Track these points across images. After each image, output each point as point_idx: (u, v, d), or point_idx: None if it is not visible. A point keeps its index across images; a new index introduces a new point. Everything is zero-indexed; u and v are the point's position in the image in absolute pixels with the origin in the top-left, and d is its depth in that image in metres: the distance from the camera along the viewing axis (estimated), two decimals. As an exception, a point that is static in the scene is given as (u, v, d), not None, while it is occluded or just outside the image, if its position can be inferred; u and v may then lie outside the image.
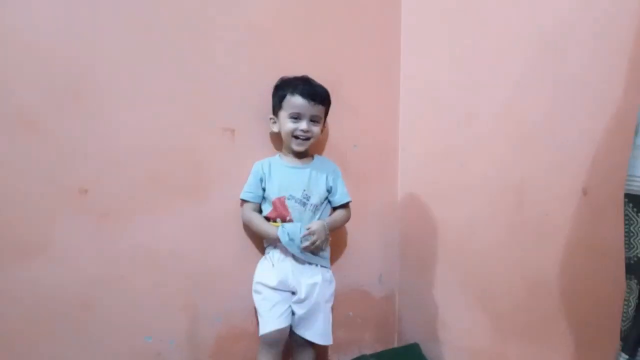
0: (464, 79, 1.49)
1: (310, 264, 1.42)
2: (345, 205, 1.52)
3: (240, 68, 1.45)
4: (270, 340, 1.36)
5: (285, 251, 1.39)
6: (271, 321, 1.35)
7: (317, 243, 1.37)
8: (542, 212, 1.23)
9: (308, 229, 1.37)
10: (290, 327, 1.40)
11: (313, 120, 1.42)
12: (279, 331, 1.35)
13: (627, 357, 0.85)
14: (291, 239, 1.36)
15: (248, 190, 1.43)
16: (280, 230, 1.36)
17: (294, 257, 1.39)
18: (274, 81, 1.46)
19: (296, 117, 1.40)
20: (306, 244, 1.36)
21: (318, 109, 1.43)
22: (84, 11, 1.22)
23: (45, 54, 1.18)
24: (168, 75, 1.33)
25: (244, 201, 1.44)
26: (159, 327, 1.34)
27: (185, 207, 1.37)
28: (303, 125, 1.40)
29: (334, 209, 1.51)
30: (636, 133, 0.83)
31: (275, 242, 1.40)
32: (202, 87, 1.39)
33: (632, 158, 0.83)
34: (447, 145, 1.57)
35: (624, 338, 0.88)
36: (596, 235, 1.10)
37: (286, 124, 1.41)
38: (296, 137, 1.41)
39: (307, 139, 1.42)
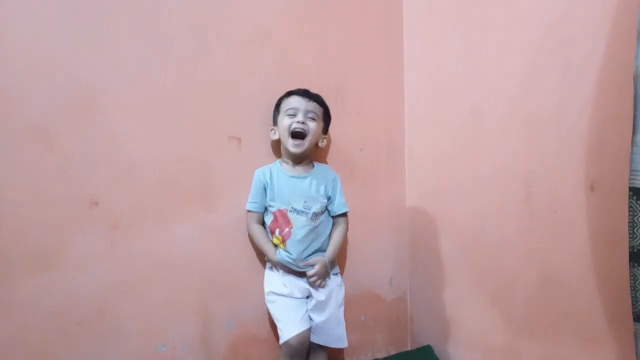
0: (469, 75, 1.48)
1: None
2: (343, 215, 1.51)
3: (245, 75, 1.47)
4: (293, 349, 1.34)
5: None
6: (291, 325, 1.34)
7: (317, 279, 1.38)
8: (551, 208, 1.23)
9: (310, 265, 1.38)
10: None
11: (309, 116, 1.43)
12: (301, 335, 1.34)
13: None
14: (291, 261, 1.38)
15: (253, 201, 1.43)
16: (279, 256, 1.39)
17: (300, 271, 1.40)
18: (278, 88, 1.47)
19: (292, 114, 1.41)
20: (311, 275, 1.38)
21: (313, 106, 1.44)
22: (92, 24, 1.25)
23: (54, 67, 1.21)
24: (175, 85, 1.36)
25: (248, 211, 1.45)
26: (172, 335, 1.36)
27: (194, 215, 1.39)
28: (299, 117, 1.40)
29: (332, 217, 1.50)
30: (635, 131, 0.86)
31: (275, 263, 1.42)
32: (208, 95, 1.41)
33: (633, 154, 0.87)
34: (454, 144, 1.56)
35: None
36: (606, 230, 1.09)
37: (283, 123, 1.42)
38: (293, 136, 1.41)
39: (304, 135, 1.41)
